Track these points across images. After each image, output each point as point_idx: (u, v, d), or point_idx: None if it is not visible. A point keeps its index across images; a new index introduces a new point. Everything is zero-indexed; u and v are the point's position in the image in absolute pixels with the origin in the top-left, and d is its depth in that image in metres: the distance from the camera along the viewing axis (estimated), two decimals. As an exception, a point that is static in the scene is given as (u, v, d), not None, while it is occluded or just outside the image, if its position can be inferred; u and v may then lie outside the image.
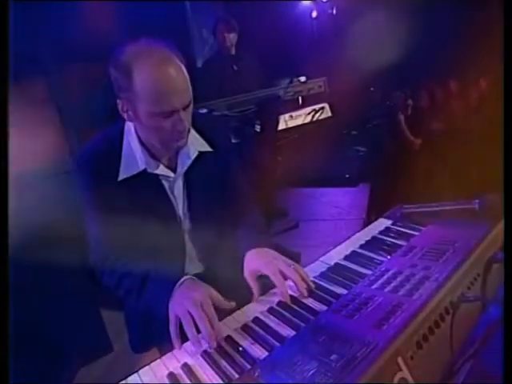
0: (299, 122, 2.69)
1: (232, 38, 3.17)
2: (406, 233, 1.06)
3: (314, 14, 7.14)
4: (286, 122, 2.62)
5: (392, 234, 1.08)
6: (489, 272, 0.76)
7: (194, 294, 0.88)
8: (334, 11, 6.85)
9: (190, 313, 0.85)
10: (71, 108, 3.10)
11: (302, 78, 3.28)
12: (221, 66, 3.20)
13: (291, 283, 0.94)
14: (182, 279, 0.94)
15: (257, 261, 1.01)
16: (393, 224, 1.14)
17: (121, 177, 1.04)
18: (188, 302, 0.86)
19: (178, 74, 0.92)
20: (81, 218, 1.19)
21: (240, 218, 1.22)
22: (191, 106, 0.99)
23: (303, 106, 2.90)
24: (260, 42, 5.02)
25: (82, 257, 2.32)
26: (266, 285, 1.00)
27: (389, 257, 0.96)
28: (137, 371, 0.82)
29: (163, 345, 1.28)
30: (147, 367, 0.83)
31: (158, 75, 0.90)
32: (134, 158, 1.05)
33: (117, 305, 2.69)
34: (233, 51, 3.25)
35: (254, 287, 0.98)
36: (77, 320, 2.36)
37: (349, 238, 1.21)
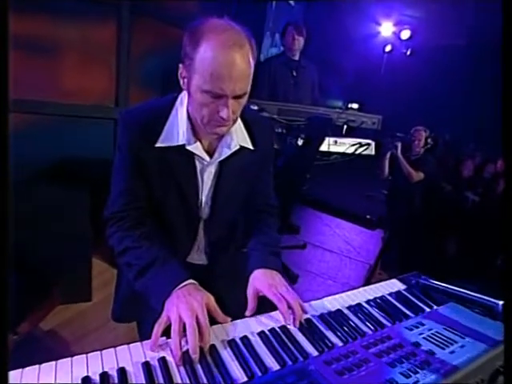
0: (341, 149, 2.66)
1: (299, 42, 3.17)
2: (417, 304, 1.03)
3: (388, 49, 7.09)
4: (329, 145, 2.60)
5: (402, 301, 1.04)
6: (494, 382, 0.73)
7: (191, 301, 0.86)
8: (409, 52, 6.79)
9: (181, 319, 0.83)
10: (130, 61, 3.13)
11: (355, 106, 3.24)
12: (281, 67, 3.20)
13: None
14: (185, 282, 0.92)
15: (263, 282, 1.00)
16: (406, 290, 1.11)
17: (159, 144, 1.04)
18: (183, 307, 0.85)
19: (241, 62, 0.89)
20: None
21: (258, 227, 1.21)
22: (244, 98, 0.97)
23: (345, 134, 2.87)
24: (325, 57, 5.01)
25: (93, 202, 2.38)
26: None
27: (393, 324, 0.93)
28: (114, 347, 0.81)
29: (143, 321, 1.30)
30: (125, 346, 0.82)
31: (222, 55, 0.87)
32: (177, 129, 1.04)
33: (109, 258, 2.75)
34: (297, 57, 3.25)
35: (251, 305, 0.98)
36: (68, 258, 2.39)
37: (353, 284, 1.17)
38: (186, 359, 0.78)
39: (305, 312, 0.96)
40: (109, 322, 1.37)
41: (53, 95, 2.71)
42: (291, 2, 5.15)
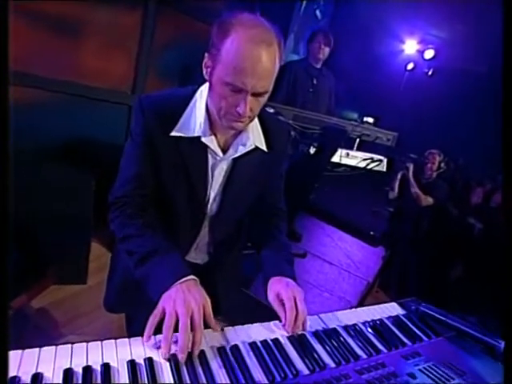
0: (353, 162, 2.63)
1: (325, 52, 3.15)
2: (415, 333, 1.00)
3: (410, 67, 7.02)
4: (340, 157, 2.57)
5: (400, 327, 1.01)
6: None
7: (190, 299, 0.84)
8: (430, 72, 6.72)
9: (176, 315, 0.81)
10: (152, 50, 3.12)
11: (370, 119, 3.23)
12: (302, 73, 3.18)
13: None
14: (187, 278, 0.90)
15: (279, 285, 1.00)
16: (404, 316, 1.08)
17: (174, 132, 1.02)
18: (181, 303, 0.83)
19: (267, 60, 0.88)
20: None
21: (269, 231, 1.19)
22: (264, 97, 0.95)
23: (358, 148, 2.84)
24: (347, 69, 4.98)
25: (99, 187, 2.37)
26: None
27: (389, 350, 0.90)
28: (101, 340, 0.79)
29: (133, 316, 1.29)
30: (112, 341, 0.80)
31: (248, 50, 0.86)
32: (194, 120, 1.03)
33: (108, 243, 2.74)
34: (319, 65, 3.23)
35: (281, 312, 0.96)
36: (67, 238, 2.39)
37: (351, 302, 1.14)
38: (172, 363, 0.76)
39: (304, 329, 0.94)
40: (101, 308, 1.36)
41: (71, 75, 2.71)
42: (318, 15, 5.15)
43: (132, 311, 1.29)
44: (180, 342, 0.78)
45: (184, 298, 0.84)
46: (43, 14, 2.39)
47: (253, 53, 0.86)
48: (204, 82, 1.03)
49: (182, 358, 0.77)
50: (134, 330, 1.28)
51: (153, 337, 0.82)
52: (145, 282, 0.94)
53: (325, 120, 2.52)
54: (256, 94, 0.91)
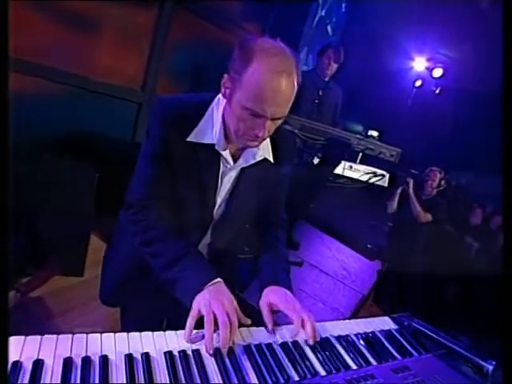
0: (355, 175, 2.66)
1: (333, 67, 3.21)
2: (405, 347, 1.02)
3: (418, 84, 7.06)
4: (343, 169, 2.60)
5: (391, 341, 1.03)
6: None
7: (223, 300, 0.91)
8: (438, 91, 6.76)
9: (214, 314, 0.87)
10: (164, 51, 3.16)
11: (375, 133, 3.24)
12: (309, 84, 3.22)
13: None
14: (216, 280, 0.96)
15: (277, 297, 1.03)
16: (397, 330, 1.09)
17: (190, 138, 1.05)
18: (216, 303, 0.89)
19: (287, 88, 0.93)
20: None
21: (269, 240, 1.23)
22: (281, 120, 1.01)
23: (361, 161, 2.87)
24: (355, 83, 5.01)
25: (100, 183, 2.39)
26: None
27: (379, 363, 0.92)
28: (114, 332, 0.82)
29: (129, 307, 1.32)
30: (111, 334, 0.82)
31: (270, 80, 0.90)
32: (210, 128, 1.06)
33: (107, 238, 2.75)
34: (327, 78, 3.27)
35: (268, 319, 0.99)
36: (67, 230, 2.41)
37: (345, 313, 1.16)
38: (168, 358, 0.78)
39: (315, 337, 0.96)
40: (96, 300, 1.38)
41: (83, 69, 2.75)
42: (329, 31, 5.21)
43: (127, 305, 1.32)
44: (222, 336, 0.84)
45: (217, 298, 0.90)
46: (59, 8, 2.43)
47: (274, 82, 0.90)
48: (219, 88, 1.07)
49: (225, 350, 0.83)
50: (128, 323, 1.31)
51: (147, 333, 0.85)
52: (173, 285, 0.99)
53: (331, 132, 2.55)
54: (274, 119, 0.97)
